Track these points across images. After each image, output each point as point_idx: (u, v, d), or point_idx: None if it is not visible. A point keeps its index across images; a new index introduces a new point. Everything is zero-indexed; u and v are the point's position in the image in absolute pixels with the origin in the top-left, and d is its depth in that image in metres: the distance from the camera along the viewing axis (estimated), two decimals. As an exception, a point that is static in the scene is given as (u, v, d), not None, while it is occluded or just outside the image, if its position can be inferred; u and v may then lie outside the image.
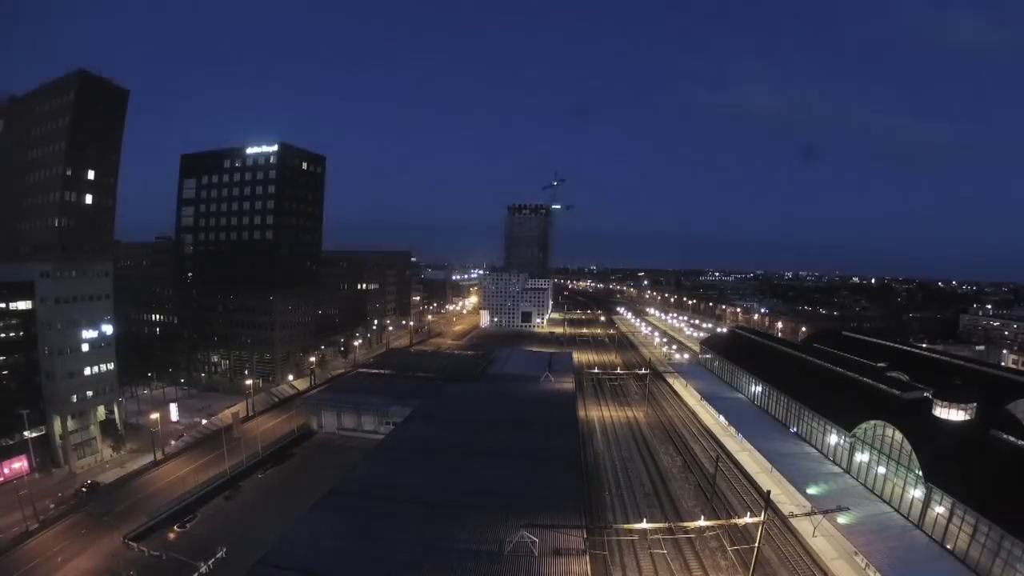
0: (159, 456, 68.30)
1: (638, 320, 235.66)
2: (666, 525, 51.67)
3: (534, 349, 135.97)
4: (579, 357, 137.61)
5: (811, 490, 50.83)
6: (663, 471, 67.43)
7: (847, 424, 57.05)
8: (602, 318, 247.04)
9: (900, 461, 48.18)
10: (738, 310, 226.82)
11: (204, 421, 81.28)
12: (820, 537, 48.13)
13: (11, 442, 62.20)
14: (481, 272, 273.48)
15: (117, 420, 74.23)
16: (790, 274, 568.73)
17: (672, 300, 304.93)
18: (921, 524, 44.24)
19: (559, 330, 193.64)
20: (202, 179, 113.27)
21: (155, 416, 71.43)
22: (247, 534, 50.03)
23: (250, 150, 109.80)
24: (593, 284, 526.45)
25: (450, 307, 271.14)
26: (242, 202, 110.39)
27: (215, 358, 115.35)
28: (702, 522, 44.01)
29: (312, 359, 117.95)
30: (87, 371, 69.37)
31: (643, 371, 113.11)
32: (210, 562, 44.95)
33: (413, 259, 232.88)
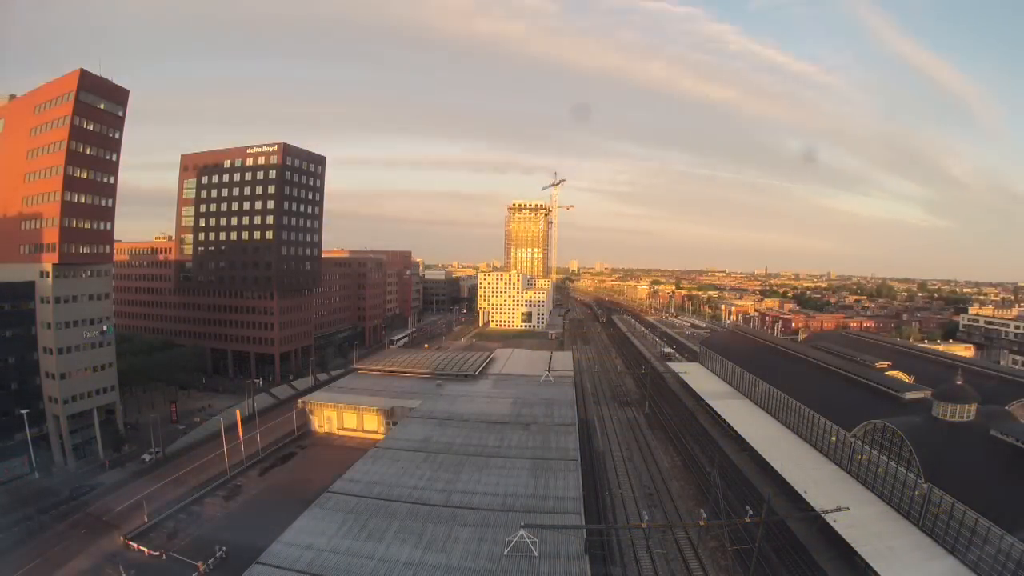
0: (159, 456, 68.29)
1: (638, 320, 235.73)
2: (666, 524, 51.85)
3: (534, 349, 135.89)
4: (579, 357, 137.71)
5: (811, 490, 50.73)
6: (663, 471, 67.50)
7: (847, 424, 56.96)
8: (602, 318, 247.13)
9: (900, 461, 48.15)
10: (738, 310, 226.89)
11: (204, 421, 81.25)
12: (820, 537, 48.17)
13: (11, 442, 62.24)
14: (481, 272, 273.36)
15: (117, 420, 74.26)
16: (791, 274, 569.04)
17: (673, 300, 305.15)
18: (921, 524, 44.18)
19: (559, 330, 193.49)
20: (202, 179, 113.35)
21: (155, 416, 71.51)
22: (247, 534, 49.94)
23: (251, 149, 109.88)
24: (594, 284, 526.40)
25: (450, 307, 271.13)
26: (242, 202, 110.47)
27: (215, 358, 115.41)
28: (702, 522, 44.00)
29: (312, 359, 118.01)
30: (87, 371, 69.37)
31: (643, 371, 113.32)
32: (210, 562, 44.96)
33: (414, 259, 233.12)
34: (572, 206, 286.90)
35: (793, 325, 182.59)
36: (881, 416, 52.66)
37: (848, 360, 78.41)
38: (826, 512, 42.94)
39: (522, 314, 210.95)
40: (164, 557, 46.22)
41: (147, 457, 67.70)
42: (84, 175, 68.58)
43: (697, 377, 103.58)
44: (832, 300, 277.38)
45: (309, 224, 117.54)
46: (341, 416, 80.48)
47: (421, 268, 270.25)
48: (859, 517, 45.02)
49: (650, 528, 46.32)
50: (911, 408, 54.94)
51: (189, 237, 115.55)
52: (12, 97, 73.65)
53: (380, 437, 68.96)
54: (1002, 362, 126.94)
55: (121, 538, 48.91)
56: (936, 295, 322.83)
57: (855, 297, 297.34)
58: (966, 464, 44.10)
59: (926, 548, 41.85)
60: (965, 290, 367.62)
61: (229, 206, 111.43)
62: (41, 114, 69.05)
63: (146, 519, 51.97)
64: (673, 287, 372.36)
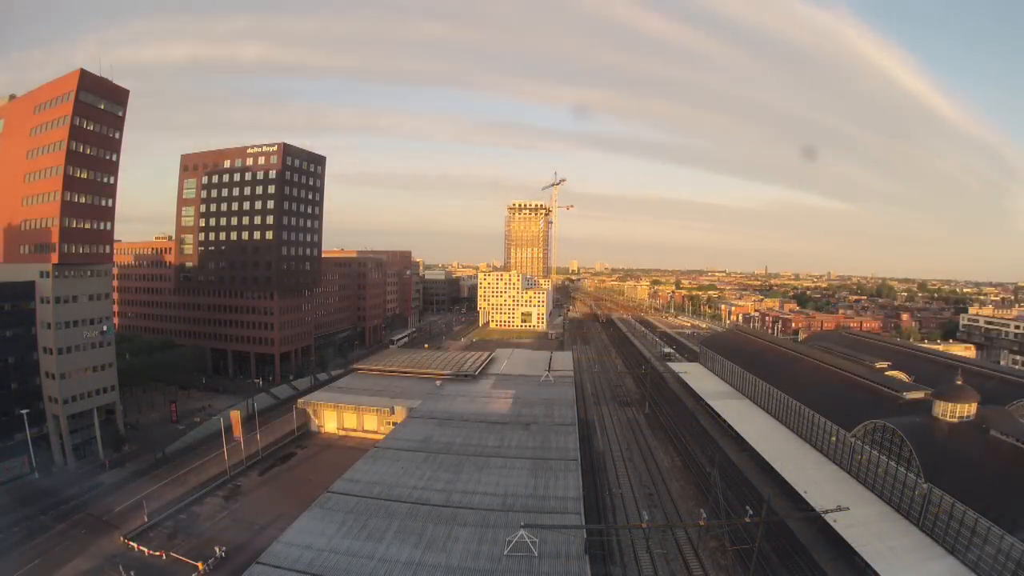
0: (159, 456, 68.30)
1: (638, 320, 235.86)
2: (666, 524, 51.87)
3: (534, 349, 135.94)
4: (579, 356, 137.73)
5: (811, 490, 50.77)
6: (663, 471, 67.51)
7: (847, 424, 56.98)
8: (602, 318, 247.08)
9: (900, 461, 48.16)
10: (738, 310, 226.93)
11: (204, 421, 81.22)
12: (820, 537, 48.17)
13: (11, 442, 62.24)
14: (481, 272, 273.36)
15: (117, 420, 74.25)
16: (791, 274, 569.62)
17: (672, 300, 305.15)
18: (921, 524, 44.19)
19: (559, 330, 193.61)
20: (202, 179, 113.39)
21: (155, 416, 71.54)
22: (247, 534, 50.10)
23: (251, 150, 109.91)
24: (594, 284, 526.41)
25: (450, 307, 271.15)
26: (242, 202, 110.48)
27: (215, 358, 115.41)
28: (702, 522, 44.00)
29: (312, 359, 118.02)
30: (87, 371, 69.31)
31: (643, 371, 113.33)
32: (210, 562, 44.97)
33: (414, 259, 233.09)
34: (572, 206, 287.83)
35: (793, 325, 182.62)
36: (881, 416, 52.67)
37: (848, 360, 78.41)
38: (826, 512, 42.92)
39: (522, 314, 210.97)
40: (164, 557, 46.19)
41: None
42: (84, 175, 68.52)
43: (697, 377, 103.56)
44: (832, 300, 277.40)
45: (309, 224, 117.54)
46: (341, 416, 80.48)
47: (421, 268, 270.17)
48: (859, 517, 45.04)
49: (650, 528, 46.28)
50: (911, 408, 54.95)
51: (189, 237, 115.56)
52: (12, 97, 73.66)
53: (380, 437, 68.92)
54: (1002, 362, 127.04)
55: (121, 538, 48.90)
56: (936, 295, 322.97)
57: (855, 297, 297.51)
58: (966, 464, 44.12)
59: (926, 548, 41.85)
60: (965, 290, 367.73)
61: (229, 206, 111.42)
62: (41, 114, 69.02)
63: (146, 519, 51.98)
64: (673, 287, 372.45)
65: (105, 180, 71.40)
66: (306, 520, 42.95)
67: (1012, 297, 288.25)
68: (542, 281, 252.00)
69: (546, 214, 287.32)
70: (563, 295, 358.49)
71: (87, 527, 51.70)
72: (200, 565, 44.29)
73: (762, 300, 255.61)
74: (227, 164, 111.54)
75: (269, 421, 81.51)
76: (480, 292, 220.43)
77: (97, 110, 69.06)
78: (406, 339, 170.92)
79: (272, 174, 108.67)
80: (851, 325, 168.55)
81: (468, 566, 37.24)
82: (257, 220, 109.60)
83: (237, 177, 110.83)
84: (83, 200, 68.65)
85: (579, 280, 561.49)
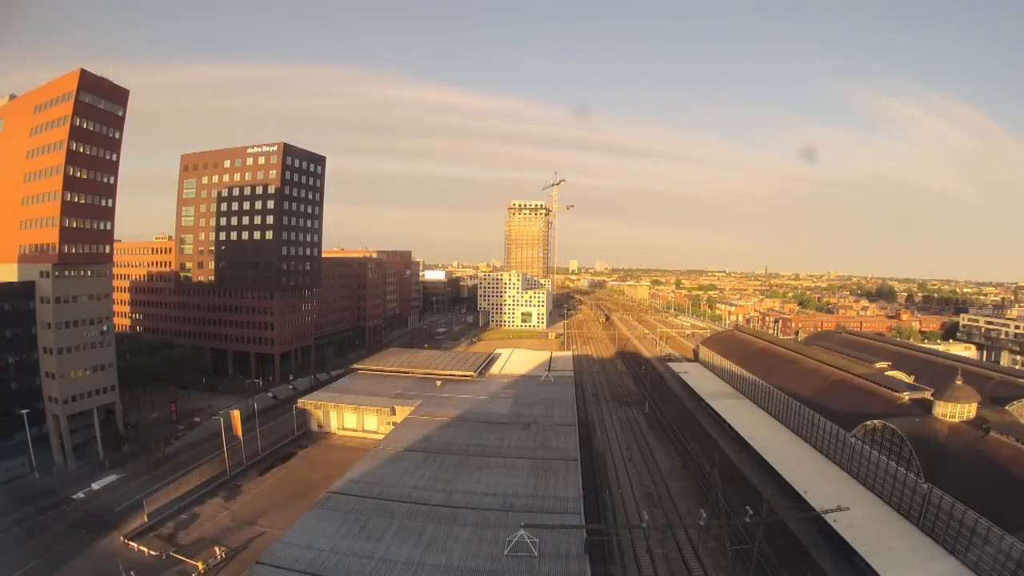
0: (159, 456, 68.28)
1: (638, 321, 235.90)
2: (666, 525, 51.89)
3: (534, 349, 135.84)
4: (579, 356, 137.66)
5: (811, 490, 50.75)
6: (663, 470, 67.50)
7: (847, 424, 56.98)
8: (602, 318, 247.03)
9: (900, 461, 48.16)
10: (738, 310, 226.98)
11: (204, 421, 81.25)
12: (820, 537, 48.17)
13: (11, 442, 62.24)
14: (481, 272, 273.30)
15: (117, 420, 74.25)
16: (791, 274, 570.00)
17: (672, 300, 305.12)
18: (921, 524, 44.19)
19: (559, 330, 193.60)
20: (202, 179, 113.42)
21: (155, 416, 71.52)
22: (247, 534, 50.10)
23: (251, 150, 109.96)
24: (594, 284, 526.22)
25: (450, 307, 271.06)
26: (242, 202, 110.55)
27: (215, 358, 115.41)
28: (702, 522, 44.00)
29: (312, 359, 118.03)
30: (87, 371, 69.32)
31: (642, 371, 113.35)
32: (210, 562, 44.98)
33: (414, 259, 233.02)
34: (572, 206, 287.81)
35: (793, 325, 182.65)
36: (881, 416, 52.65)
37: (848, 360, 78.38)
38: (826, 512, 42.91)
39: (522, 314, 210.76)
40: (164, 557, 46.21)
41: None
42: (84, 175, 68.49)
43: (697, 377, 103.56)
44: (832, 300, 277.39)
45: (309, 224, 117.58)
46: (341, 416, 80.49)
47: (421, 268, 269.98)
48: (859, 517, 45.05)
49: (650, 528, 46.29)
50: (911, 408, 54.92)
51: (189, 237, 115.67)
52: (12, 97, 73.63)
53: (380, 437, 68.94)
54: (1002, 362, 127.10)
55: (121, 538, 48.92)
56: (936, 295, 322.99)
57: (855, 297, 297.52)
58: (966, 464, 44.07)
59: (926, 548, 41.85)
60: (965, 290, 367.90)
61: (229, 206, 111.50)
62: (41, 114, 69.00)
63: (146, 519, 52.00)
64: (673, 287, 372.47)
65: (105, 180, 71.38)
66: (306, 520, 42.98)
67: (1012, 297, 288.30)
68: (542, 281, 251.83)
69: (546, 214, 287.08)
70: (564, 295, 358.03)
71: (87, 527, 51.71)
72: (200, 565, 44.30)
73: (762, 300, 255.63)
74: (227, 164, 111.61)
75: (269, 421, 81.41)
76: (480, 292, 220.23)
77: (97, 110, 69.05)
78: (406, 339, 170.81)
79: (272, 174, 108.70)
80: (851, 325, 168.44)
81: (468, 566, 37.26)
82: (257, 220, 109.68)
83: (237, 177, 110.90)
84: (83, 200, 68.62)
85: (580, 280, 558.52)
